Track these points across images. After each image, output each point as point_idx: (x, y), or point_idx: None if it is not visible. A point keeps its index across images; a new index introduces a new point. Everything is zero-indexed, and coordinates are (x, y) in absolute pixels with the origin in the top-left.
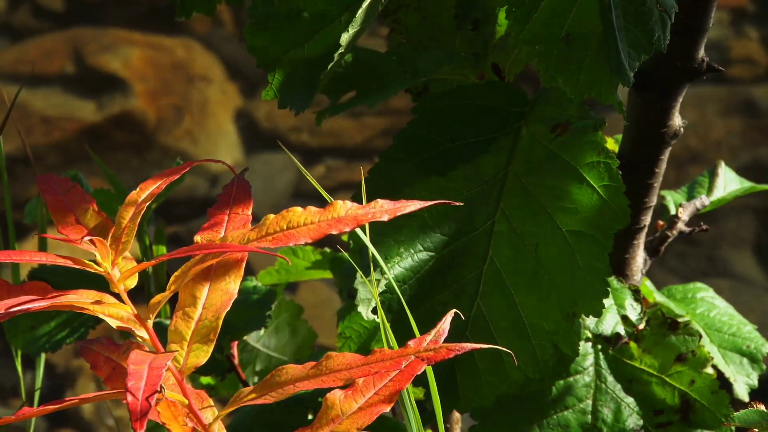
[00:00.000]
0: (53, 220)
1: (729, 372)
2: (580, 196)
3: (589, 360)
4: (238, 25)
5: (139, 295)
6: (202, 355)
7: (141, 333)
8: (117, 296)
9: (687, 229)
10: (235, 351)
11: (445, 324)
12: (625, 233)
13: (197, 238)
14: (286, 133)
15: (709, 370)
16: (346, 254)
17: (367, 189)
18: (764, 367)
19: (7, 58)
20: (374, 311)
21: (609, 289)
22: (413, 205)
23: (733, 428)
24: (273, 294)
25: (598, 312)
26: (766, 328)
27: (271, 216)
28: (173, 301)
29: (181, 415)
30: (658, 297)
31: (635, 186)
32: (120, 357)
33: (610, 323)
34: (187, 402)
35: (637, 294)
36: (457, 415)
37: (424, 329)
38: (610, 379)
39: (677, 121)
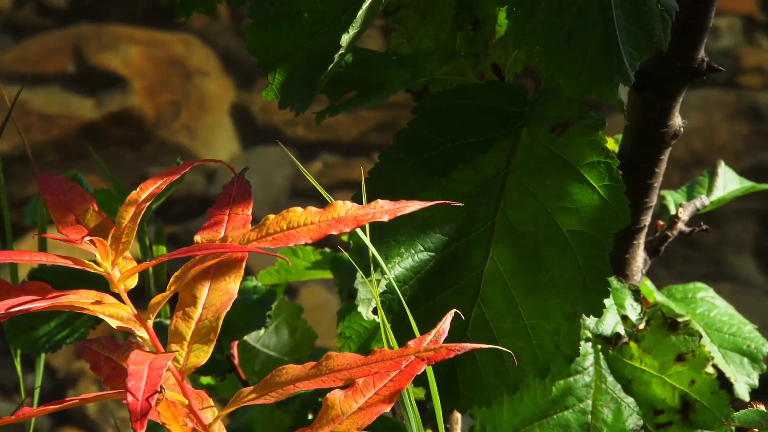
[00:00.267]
0: (53, 220)
1: (729, 372)
2: (581, 196)
3: (589, 360)
4: (234, 18)
5: (139, 295)
6: (202, 355)
7: (141, 333)
8: (117, 296)
9: (687, 229)
10: (235, 351)
11: (445, 324)
12: (625, 233)
13: (197, 238)
14: (281, 127)
15: (710, 370)
16: (346, 254)
17: (367, 189)
18: (765, 366)
19: (8, 58)
20: (374, 311)
21: (609, 289)
22: (413, 205)
23: (733, 428)
24: (273, 294)
25: (598, 312)
26: (766, 330)
27: (271, 216)
28: (173, 301)
29: (181, 415)
30: (658, 297)
31: (635, 186)
32: (120, 357)
33: (610, 323)
34: (187, 402)
35: (637, 294)
36: (457, 415)
37: (425, 329)
38: (610, 379)
39: (677, 121)
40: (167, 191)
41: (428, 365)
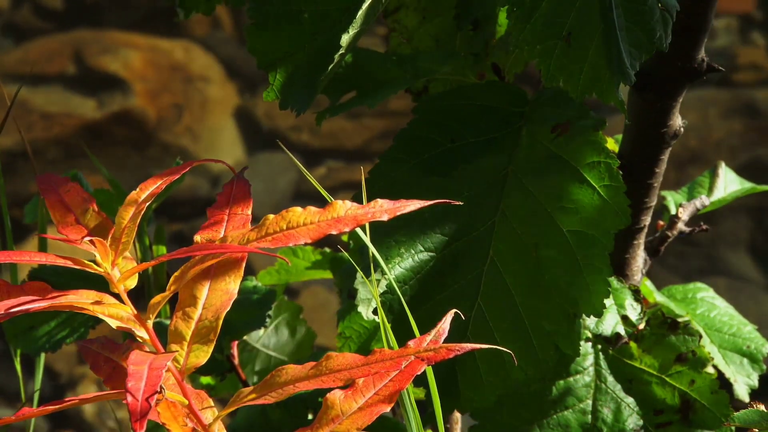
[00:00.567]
0: (53, 220)
1: (729, 372)
2: (581, 196)
3: (589, 360)
4: (237, 26)
5: (139, 295)
6: (202, 355)
7: (141, 333)
8: (117, 296)
9: (687, 229)
10: (235, 351)
11: (445, 324)
12: (625, 233)
13: (197, 238)
14: (286, 133)
15: (710, 370)
16: (346, 254)
17: (367, 189)
18: (764, 367)
19: (10, 60)
20: (374, 311)
21: (609, 289)
22: (413, 205)
23: (733, 428)
24: (273, 294)
25: (598, 312)
26: (763, 325)
27: (271, 216)
28: (173, 301)
29: (181, 416)
30: (658, 297)
31: (635, 186)
32: (120, 357)
33: (610, 323)
34: (187, 402)
35: (637, 294)
36: (457, 415)
37: (425, 329)
38: (610, 379)
39: (677, 121)
40: (167, 191)
41: (428, 365)
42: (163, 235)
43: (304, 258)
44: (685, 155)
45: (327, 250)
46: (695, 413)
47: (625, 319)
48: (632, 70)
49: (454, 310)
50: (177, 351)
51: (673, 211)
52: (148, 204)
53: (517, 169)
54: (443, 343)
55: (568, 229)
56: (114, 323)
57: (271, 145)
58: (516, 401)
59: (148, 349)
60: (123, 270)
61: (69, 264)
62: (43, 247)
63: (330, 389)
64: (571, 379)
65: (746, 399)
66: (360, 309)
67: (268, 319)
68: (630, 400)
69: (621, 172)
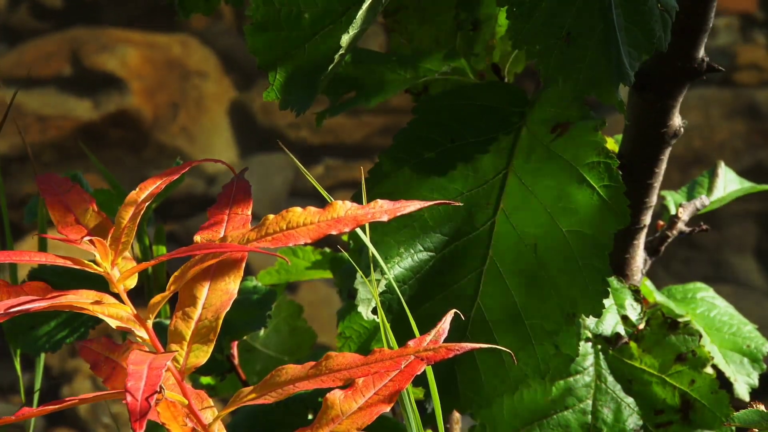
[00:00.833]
0: (53, 220)
1: (729, 372)
2: (580, 196)
3: (589, 360)
4: (237, 17)
5: (139, 295)
6: (202, 355)
7: (141, 333)
8: (117, 296)
9: (687, 229)
10: (235, 351)
11: (444, 324)
12: (625, 233)
13: (197, 237)
14: (284, 130)
15: (710, 370)
16: (346, 254)
17: (367, 189)
18: (765, 366)
19: (6, 62)
20: (374, 311)
21: (609, 289)
22: (413, 205)
23: (733, 428)
24: (273, 294)
25: (598, 312)
26: (766, 331)
27: (271, 216)
28: (173, 301)
29: (181, 415)
30: (658, 297)
31: (635, 186)
32: (120, 357)
33: (610, 323)
34: (187, 402)
35: (637, 294)
36: (457, 415)
37: (424, 329)
38: (610, 379)
39: (677, 121)
40: (167, 191)
41: (428, 365)
42: (163, 235)
43: (304, 258)
44: (688, 156)
45: (327, 250)
46: (695, 413)
47: (625, 319)
48: (631, 71)
49: (454, 310)
50: (177, 351)
51: (673, 211)
52: (147, 204)
53: (516, 169)
54: (443, 342)
55: (567, 229)
56: (114, 323)
57: (268, 143)
58: (516, 401)
59: (147, 349)
60: (123, 270)
61: (69, 264)
62: (43, 247)
63: (330, 389)
64: (571, 379)
65: (746, 398)
66: (360, 309)
67: (268, 319)
68: (630, 400)
69: (621, 172)
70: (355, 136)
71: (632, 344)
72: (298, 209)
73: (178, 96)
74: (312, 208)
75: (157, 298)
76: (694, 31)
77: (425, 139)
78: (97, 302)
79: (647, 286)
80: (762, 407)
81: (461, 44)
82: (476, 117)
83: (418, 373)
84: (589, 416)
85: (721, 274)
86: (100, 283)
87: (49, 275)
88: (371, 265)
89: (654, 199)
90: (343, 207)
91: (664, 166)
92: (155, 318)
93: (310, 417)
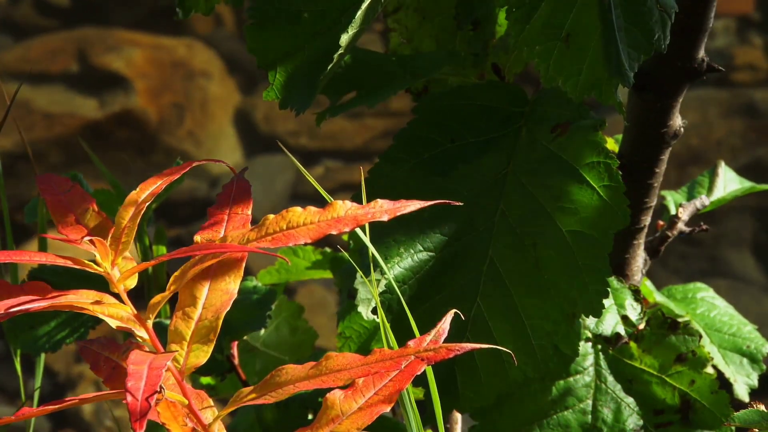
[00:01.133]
0: (53, 220)
1: (729, 372)
2: (580, 196)
3: (589, 360)
4: (238, 23)
5: (139, 295)
6: (202, 355)
7: (141, 333)
8: (117, 296)
9: (687, 229)
10: (235, 351)
11: (445, 324)
12: (625, 233)
13: (197, 238)
14: (284, 137)
15: (709, 370)
16: (346, 254)
17: (366, 189)
18: (764, 367)
19: (11, 57)
20: (374, 311)
21: (609, 289)
22: (413, 205)
23: (733, 428)
24: (273, 294)
25: (598, 312)
26: (764, 326)
27: (271, 216)
28: (173, 301)
29: (181, 415)
30: (658, 297)
31: (635, 186)
32: (120, 357)
33: (610, 323)
34: (187, 402)
35: (637, 294)
36: (457, 415)
37: (424, 329)
38: (610, 379)
39: (677, 121)
40: (167, 191)
41: (428, 365)
42: (163, 235)
43: (304, 258)
44: (686, 155)
45: (327, 250)
46: (695, 413)
47: (625, 319)
48: (631, 71)
49: (454, 310)
50: (177, 351)
51: (673, 211)
52: (147, 204)
53: (516, 169)
54: (443, 343)
55: (567, 229)
56: (114, 323)
57: (269, 147)
58: (516, 401)
59: (147, 349)
60: (123, 270)
61: (69, 264)
62: (43, 247)
63: (330, 389)
64: (571, 379)
65: (746, 399)
66: (360, 309)
67: (268, 319)
68: (630, 400)
69: (621, 172)
70: (355, 140)
71: (632, 344)
72: (298, 209)
73: (182, 98)
74: (312, 208)
75: (157, 298)
76: (694, 32)
77: (425, 139)
78: (98, 302)
79: (647, 286)
80: (762, 407)
81: (461, 44)
82: (476, 117)
83: (418, 373)
84: (589, 416)
85: (718, 270)
86: (100, 283)
87: (49, 275)
88: (371, 265)
89: (654, 199)
90: (343, 207)
91: (664, 166)
92: (155, 318)
93: (310, 417)
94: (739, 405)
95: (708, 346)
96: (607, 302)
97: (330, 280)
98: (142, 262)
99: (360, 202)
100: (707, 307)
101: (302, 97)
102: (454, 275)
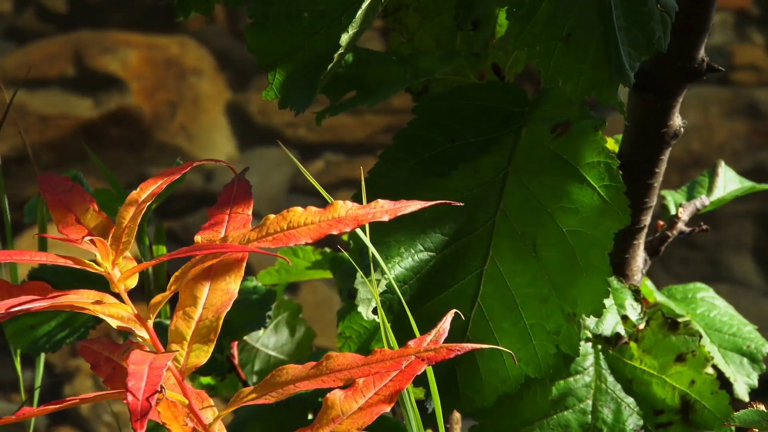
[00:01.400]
0: (53, 219)
1: (729, 372)
2: (581, 196)
3: (589, 360)
4: (230, 19)
5: (139, 295)
6: (203, 355)
7: (141, 333)
8: (117, 296)
9: (687, 229)
10: (235, 351)
11: (445, 324)
12: (625, 233)
13: (197, 237)
14: (281, 129)
15: (709, 370)
16: (346, 254)
17: (367, 189)
18: (764, 366)
19: (11, 62)
20: (374, 311)
21: (609, 289)
22: (413, 205)
23: (733, 428)
24: (273, 294)
25: (598, 312)
26: (765, 331)
27: (272, 216)
28: (173, 301)
29: (182, 415)
30: (658, 297)
31: (635, 186)
32: (120, 357)
33: (610, 323)
34: (187, 402)
35: (637, 294)
36: (457, 415)
37: (425, 329)
38: (610, 379)
39: (677, 121)
40: (167, 191)
41: (428, 365)
42: (163, 235)
43: (305, 258)
44: (688, 158)
45: (327, 250)
46: (695, 413)
47: (625, 319)
48: (631, 71)
49: (454, 310)
50: (177, 351)
51: (673, 211)
52: (148, 204)
53: (517, 169)
54: (443, 343)
55: (567, 229)
56: (114, 323)
57: (266, 139)
58: (516, 401)
59: (148, 349)
60: (123, 270)
61: (69, 263)
62: (43, 247)
63: (330, 389)
64: (571, 379)
65: (746, 398)
66: (360, 309)
67: (268, 319)
68: (630, 400)
69: (621, 172)
70: (356, 134)
71: (632, 344)
72: (299, 209)
73: (176, 95)
74: (313, 208)
75: (157, 298)
76: (694, 32)
77: (425, 139)
78: (98, 302)
79: (647, 286)
80: (762, 407)
81: (461, 44)
82: (476, 117)
83: (419, 373)
84: (589, 416)
85: (719, 274)
86: (100, 283)
87: (49, 275)
88: (371, 265)
89: (654, 199)
90: (343, 207)
91: (664, 166)
92: (156, 318)
93: (310, 417)
94: (739, 405)
95: (708, 346)
96: (607, 302)
97: (333, 279)
98: (143, 262)
99: (360, 202)
100: (707, 307)
101: (302, 97)
102: (455, 275)
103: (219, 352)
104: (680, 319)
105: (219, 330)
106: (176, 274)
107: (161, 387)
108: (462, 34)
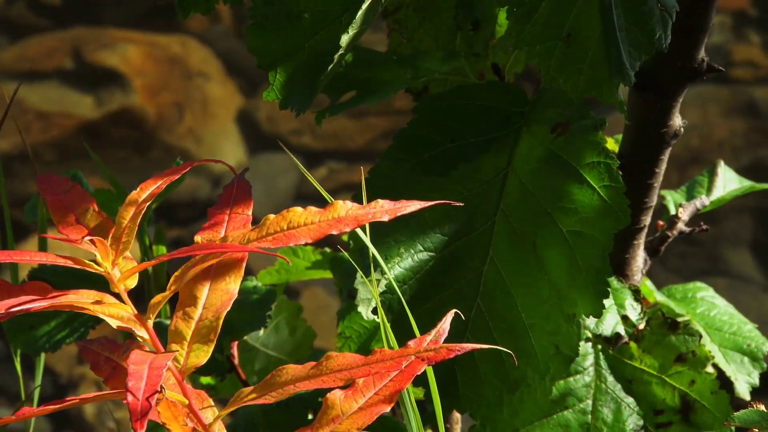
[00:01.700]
0: (53, 219)
1: (730, 371)
2: (580, 197)
3: (589, 360)
4: (235, 20)
5: (139, 295)
6: (203, 355)
7: (141, 333)
8: (117, 296)
9: (687, 229)
10: (235, 351)
11: (445, 324)
12: (625, 233)
13: (197, 238)
14: (287, 136)
15: (710, 370)
16: (346, 254)
17: (367, 189)
18: (765, 365)
19: (7, 57)
20: (374, 311)
21: (609, 289)
22: (413, 205)
23: (733, 428)
24: (273, 294)
25: (598, 312)
26: (763, 325)
27: (272, 216)
28: (173, 301)
29: (182, 415)
30: (658, 297)
31: (635, 186)
32: (120, 357)
33: (610, 323)
34: (187, 402)
35: (637, 294)
36: (457, 415)
37: (425, 329)
38: (610, 379)
39: (677, 121)
40: (167, 191)
41: (428, 365)
42: (163, 235)
43: (305, 258)
44: (687, 156)
45: (327, 250)
46: (695, 413)
47: (625, 319)
48: (632, 71)
49: (454, 310)
50: (177, 351)
51: (673, 211)
52: (148, 204)
53: (517, 169)
54: (443, 343)
55: (567, 229)
56: (114, 323)
57: (272, 146)
58: (516, 401)
59: (148, 349)
60: (123, 270)
61: (69, 264)
62: (43, 247)
63: (330, 389)
64: (571, 379)
65: (747, 397)
66: (360, 309)
67: (268, 319)
68: (630, 400)
69: (621, 172)
70: (357, 140)
71: (632, 344)
72: (299, 209)
73: (182, 97)
74: (313, 208)
75: (157, 298)
76: (694, 31)
77: (425, 139)
78: (98, 302)
79: (647, 286)
80: (762, 407)
81: (461, 44)
82: (476, 117)
83: (419, 373)
84: (589, 416)
85: (717, 269)
86: (100, 283)
87: (49, 275)
88: (371, 265)
89: (654, 199)
90: (343, 207)
91: (664, 166)
92: (155, 318)
93: (310, 417)
94: (740, 404)
95: (709, 345)
96: (607, 302)
97: (333, 282)
98: (143, 262)
99: (360, 202)
100: (707, 306)
101: (302, 98)
102: (455, 275)
103: (219, 352)
104: (680, 319)
105: (219, 330)
106: (176, 274)
107: (161, 387)
108: (462, 34)
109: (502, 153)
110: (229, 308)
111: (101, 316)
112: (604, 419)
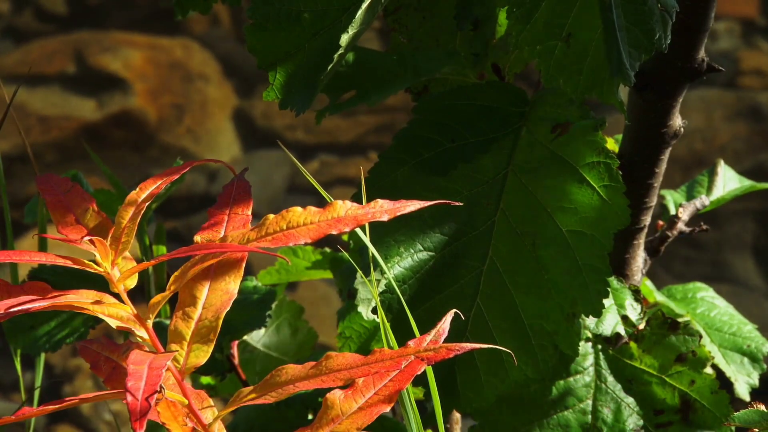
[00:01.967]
0: (53, 220)
1: (730, 371)
2: (580, 196)
3: (589, 360)
4: (235, 23)
5: (139, 295)
6: (202, 355)
7: (141, 333)
8: (117, 296)
9: (687, 229)
10: (235, 351)
11: (445, 324)
12: (625, 233)
13: (197, 238)
14: (281, 132)
15: (709, 370)
16: (346, 254)
17: (366, 188)
18: (765, 366)
19: (10, 61)
20: (374, 311)
21: (609, 289)
22: (413, 205)
23: (733, 428)
24: (273, 294)
25: (598, 312)
26: (765, 331)
27: (271, 216)
28: (173, 301)
29: (181, 415)
30: (658, 297)
31: (635, 186)
32: (120, 357)
33: (610, 323)
34: (187, 402)
35: (637, 294)
36: (457, 415)
37: (424, 329)
38: (610, 379)
39: (677, 121)
40: (167, 191)
41: (428, 365)
42: (163, 235)
43: (304, 258)
44: (690, 159)
45: (327, 250)
46: (695, 413)
47: (625, 319)
48: (632, 71)
49: (454, 310)
50: (177, 351)
51: (673, 211)
52: (147, 204)
53: (516, 169)
54: (443, 343)
55: (567, 229)
56: (114, 323)
57: (267, 142)
58: (516, 401)
59: (147, 349)
60: (123, 270)
61: (69, 264)
62: (43, 247)
63: (330, 389)
64: (571, 379)
65: (747, 398)
66: (360, 309)
67: (268, 319)
68: (630, 400)
69: (621, 172)
70: (349, 135)
71: (632, 344)
72: (299, 209)
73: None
74: (312, 208)
75: (157, 298)
76: (694, 32)
77: (425, 139)
78: (98, 302)
79: (647, 286)
80: (762, 407)
81: (461, 44)
82: (476, 117)
83: (418, 373)
84: (589, 416)
85: (720, 274)
86: (100, 283)
87: (49, 275)
88: (371, 264)
89: (654, 199)
90: (343, 207)
91: (664, 166)
92: (155, 318)
93: (310, 417)
94: (740, 404)
95: (708, 346)
96: (607, 302)
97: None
98: (142, 262)
99: (360, 201)
100: (707, 306)
101: (302, 98)
102: (454, 275)
103: (219, 352)
104: (680, 319)
105: (219, 330)
106: (176, 274)
107: (161, 387)
108: (462, 34)
109: (502, 153)
110: (228, 308)
111: (101, 316)
112: (604, 419)
